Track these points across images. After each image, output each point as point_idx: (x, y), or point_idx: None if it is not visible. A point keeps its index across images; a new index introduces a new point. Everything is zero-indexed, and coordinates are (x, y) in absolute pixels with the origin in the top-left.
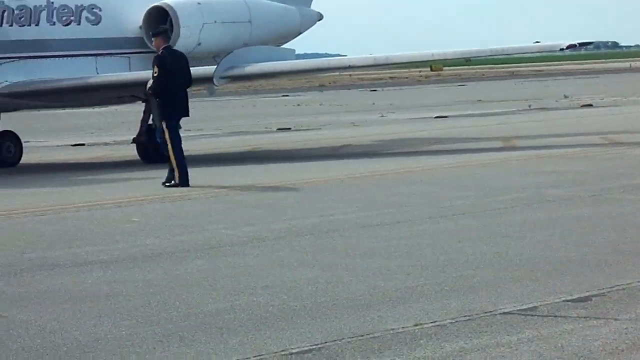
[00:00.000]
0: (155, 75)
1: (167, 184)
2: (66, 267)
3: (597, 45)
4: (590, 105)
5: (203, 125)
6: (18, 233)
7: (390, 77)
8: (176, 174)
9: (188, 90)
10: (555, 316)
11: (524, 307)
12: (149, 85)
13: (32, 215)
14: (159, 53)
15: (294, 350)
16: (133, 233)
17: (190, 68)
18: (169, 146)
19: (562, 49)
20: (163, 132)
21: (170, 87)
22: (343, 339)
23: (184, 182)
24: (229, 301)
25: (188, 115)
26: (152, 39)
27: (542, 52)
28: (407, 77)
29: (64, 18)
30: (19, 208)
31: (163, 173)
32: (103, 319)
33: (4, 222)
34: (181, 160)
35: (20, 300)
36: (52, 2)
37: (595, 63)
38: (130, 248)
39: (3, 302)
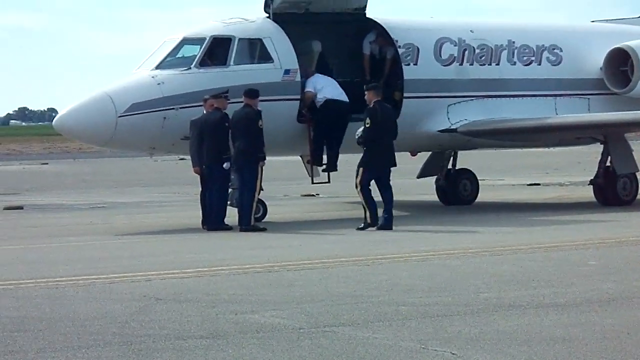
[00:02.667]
0: (367, 126)
1: (360, 228)
2: (522, 307)
3: None
4: None
5: None
6: (474, 272)
7: None
8: (367, 214)
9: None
10: None
11: None
12: (358, 134)
13: (488, 255)
14: (371, 106)
15: None
16: (590, 276)
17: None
18: (360, 191)
19: None
20: (356, 175)
21: (377, 139)
22: None
23: (375, 222)
24: None
25: (395, 166)
26: (365, 92)
27: None
28: None
29: (524, 58)
30: (470, 247)
31: (621, 216)
32: None
33: (458, 261)
34: (372, 203)
35: (476, 340)
36: (514, 42)
37: None
38: (587, 291)
39: (459, 342)
